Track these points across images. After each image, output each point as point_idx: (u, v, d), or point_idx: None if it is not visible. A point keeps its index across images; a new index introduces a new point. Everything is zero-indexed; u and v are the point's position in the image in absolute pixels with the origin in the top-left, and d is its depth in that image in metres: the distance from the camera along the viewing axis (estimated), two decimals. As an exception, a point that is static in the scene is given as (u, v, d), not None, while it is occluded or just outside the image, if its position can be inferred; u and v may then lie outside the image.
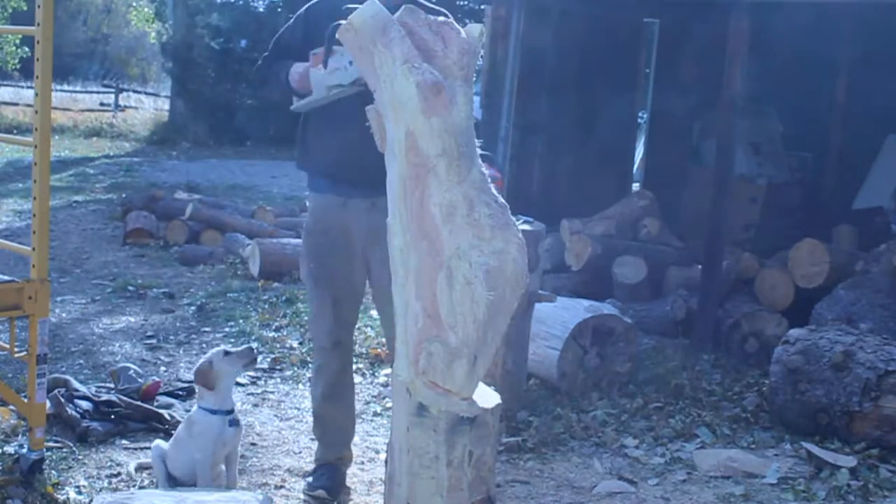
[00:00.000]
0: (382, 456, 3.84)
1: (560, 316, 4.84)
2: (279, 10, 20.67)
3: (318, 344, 3.65)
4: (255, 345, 4.81)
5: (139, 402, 4.30)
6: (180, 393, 4.65)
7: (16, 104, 21.06)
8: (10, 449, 3.71)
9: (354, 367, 5.17)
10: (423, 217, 2.46)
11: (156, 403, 4.38)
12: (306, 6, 3.57)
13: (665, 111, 8.35)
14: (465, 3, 21.21)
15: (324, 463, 3.63)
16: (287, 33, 3.58)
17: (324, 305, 3.55)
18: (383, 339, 5.51)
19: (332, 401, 3.62)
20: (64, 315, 6.05)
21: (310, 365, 5.18)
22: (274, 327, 5.89)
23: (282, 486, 3.69)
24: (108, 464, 3.78)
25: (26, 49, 21.60)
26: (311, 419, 4.41)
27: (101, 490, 3.51)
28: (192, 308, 6.36)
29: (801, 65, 7.48)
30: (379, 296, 3.53)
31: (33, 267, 3.39)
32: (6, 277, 3.46)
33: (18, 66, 22.00)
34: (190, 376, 4.98)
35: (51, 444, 3.80)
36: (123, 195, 10.75)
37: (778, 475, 3.93)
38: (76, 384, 4.43)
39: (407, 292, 2.51)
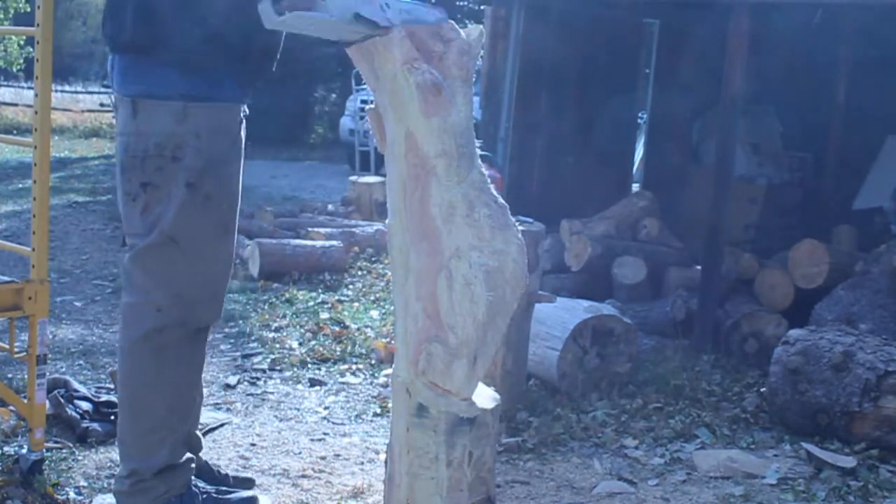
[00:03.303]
0: (382, 456, 3.84)
1: (560, 316, 4.84)
2: (279, 10, 20.64)
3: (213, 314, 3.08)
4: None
5: (139, 403, 4.30)
6: (180, 393, 4.65)
7: (16, 104, 21.08)
8: (9, 449, 3.71)
9: (353, 367, 5.20)
10: (423, 218, 2.47)
11: (155, 404, 4.38)
12: None
13: (665, 111, 8.35)
14: (465, 3, 21.21)
15: None
16: None
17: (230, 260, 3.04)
18: (383, 340, 5.53)
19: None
20: (64, 315, 6.05)
21: (310, 366, 5.20)
22: (273, 328, 5.89)
23: (282, 487, 3.69)
24: (108, 464, 3.78)
25: (30, 49, 21.60)
26: (310, 420, 4.44)
27: (100, 491, 3.51)
28: (192, 308, 6.36)
29: (801, 65, 7.48)
30: None
31: (33, 267, 3.39)
32: (6, 278, 3.46)
33: (23, 67, 22.04)
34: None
35: (50, 444, 3.80)
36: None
37: (778, 476, 3.93)
38: (76, 385, 4.43)
39: (407, 292, 2.51)
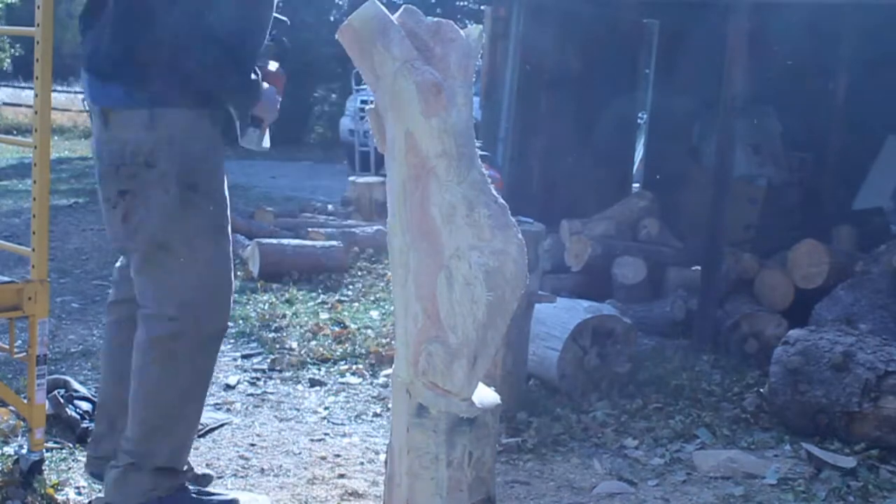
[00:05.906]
0: (382, 456, 3.84)
1: (560, 316, 4.84)
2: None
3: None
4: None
5: (139, 403, 4.29)
6: (180, 393, 4.64)
7: (16, 105, 21.06)
8: (9, 450, 3.71)
9: (354, 367, 5.20)
10: (423, 218, 2.46)
11: (155, 404, 4.38)
12: None
13: (665, 111, 8.35)
14: (465, 3, 21.24)
15: None
16: None
17: None
18: (383, 340, 5.53)
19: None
20: (64, 315, 6.04)
21: (309, 366, 5.20)
22: (273, 328, 5.89)
23: (282, 488, 3.69)
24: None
25: (20, 47, 21.55)
26: (310, 420, 4.44)
27: (100, 491, 3.50)
28: (192, 308, 6.36)
29: (800, 65, 7.48)
30: None
31: (33, 268, 3.39)
32: (6, 278, 3.46)
33: (10, 63, 21.98)
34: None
35: (50, 444, 3.80)
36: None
37: (778, 476, 3.93)
38: (76, 385, 4.43)
39: (407, 293, 2.50)
